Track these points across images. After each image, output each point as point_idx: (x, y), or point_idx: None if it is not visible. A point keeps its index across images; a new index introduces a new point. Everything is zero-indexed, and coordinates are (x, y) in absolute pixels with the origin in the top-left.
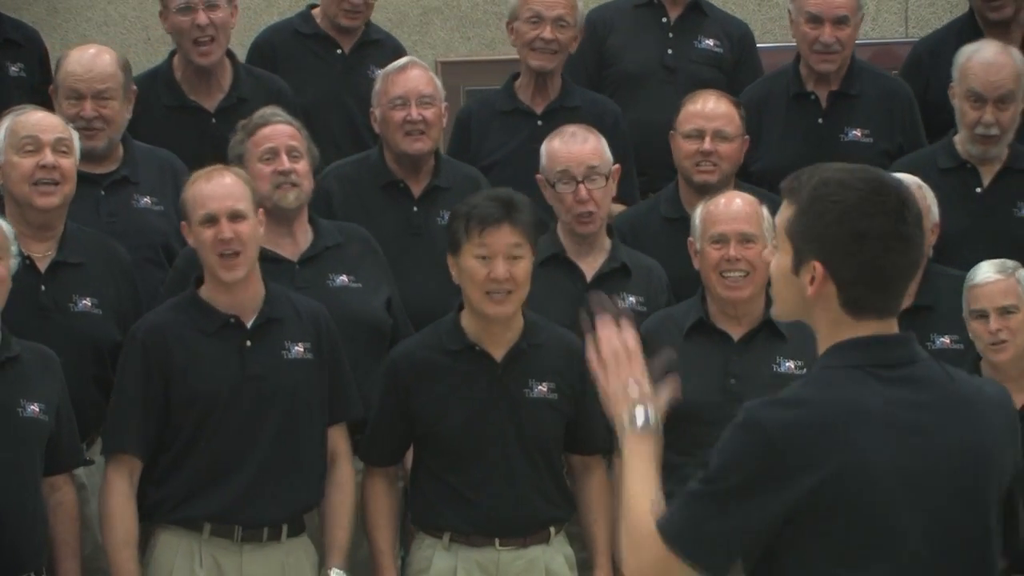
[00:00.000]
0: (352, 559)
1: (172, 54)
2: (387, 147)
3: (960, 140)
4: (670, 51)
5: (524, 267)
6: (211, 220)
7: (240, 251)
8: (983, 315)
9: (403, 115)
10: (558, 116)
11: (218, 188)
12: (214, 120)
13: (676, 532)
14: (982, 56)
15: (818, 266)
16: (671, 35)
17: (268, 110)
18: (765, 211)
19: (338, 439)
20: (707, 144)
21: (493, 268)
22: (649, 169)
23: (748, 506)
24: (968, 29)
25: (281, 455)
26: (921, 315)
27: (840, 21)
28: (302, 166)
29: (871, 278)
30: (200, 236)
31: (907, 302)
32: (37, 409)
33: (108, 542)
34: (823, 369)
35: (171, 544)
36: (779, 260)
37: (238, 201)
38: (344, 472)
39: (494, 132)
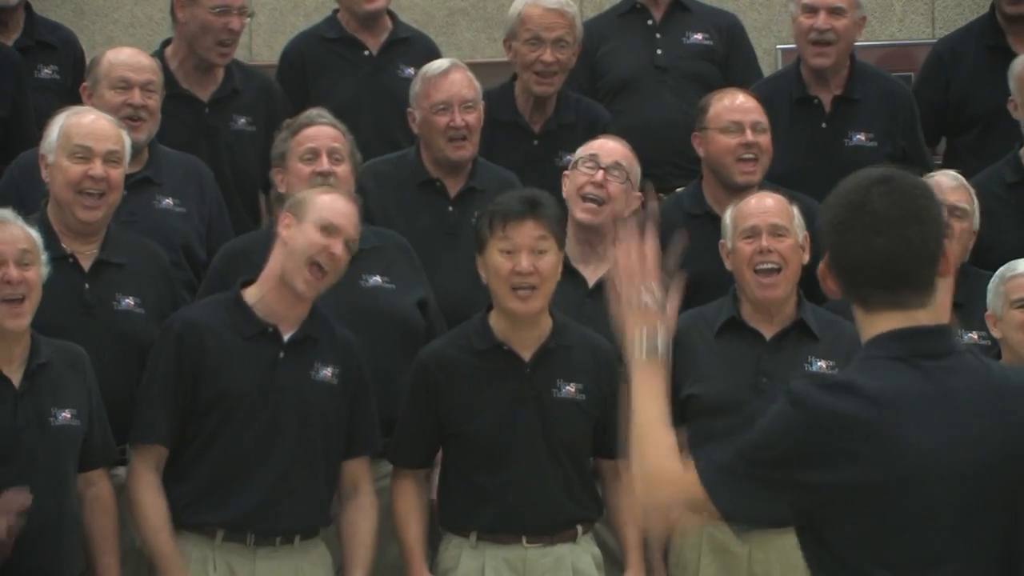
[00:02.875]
0: (378, 563)
1: (164, 44)
2: (427, 149)
3: None
4: (659, 51)
5: (549, 261)
6: (331, 231)
7: (331, 274)
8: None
9: (446, 121)
10: (555, 135)
11: (350, 213)
12: (207, 110)
13: (715, 483)
14: None
15: (824, 259)
16: (658, 35)
17: (315, 111)
18: (795, 210)
19: (360, 470)
20: (749, 135)
21: (517, 261)
22: (656, 168)
23: (786, 479)
24: (988, 28)
25: (297, 471)
26: (952, 311)
27: (835, 11)
28: (342, 169)
29: (843, 267)
30: (309, 237)
31: None
32: (69, 415)
33: (144, 529)
34: (867, 359)
35: (184, 549)
36: None
37: (357, 232)
38: (367, 499)
39: (487, 141)
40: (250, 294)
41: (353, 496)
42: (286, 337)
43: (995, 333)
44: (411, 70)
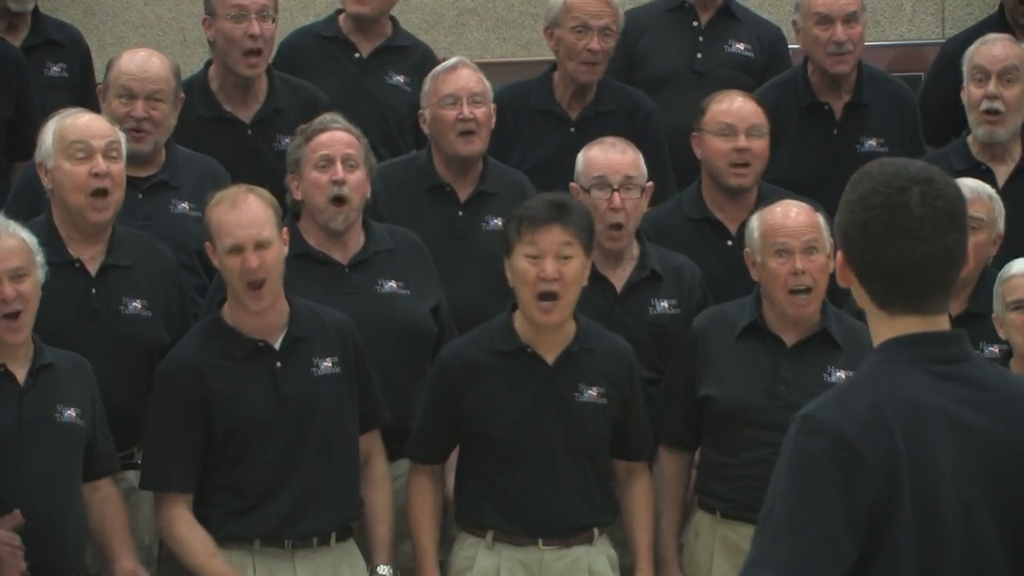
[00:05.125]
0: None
1: (207, 65)
2: (437, 148)
3: (972, 139)
4: (699, 55)
5: (574, 268)
6: (237, 250)
7: (266, 279)
8: (1021, 305)
9: (455, 114)
10: (592, 123)
11: (243, 216)
12: (249, 132)
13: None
14: (986, 40)
15: (840, 255)
16: (701, 39)
17: (328, 116)
18: (821, 219)
19: (371, 442)
20: (742, 141)
21: (542, 267)
22: (683, 173)
23: (837, 510)
24: (999, 28)
25: (323, 470)
26: (972, 322)
27: (850, 18)
28: (356, 176)
29: (875, 270)
30: (226, 263)
31: (960, 308)
32: (74, 414)
33: (194, 562)
34: (877, 364)
35: (224, 552)
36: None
37: (263, 228)
38: (379, 469)
39: (525, 130)
40: (228, 314)
41: (366, 468)
42: (277, 346)
43: (1001, 335)
44: (400, 78)
